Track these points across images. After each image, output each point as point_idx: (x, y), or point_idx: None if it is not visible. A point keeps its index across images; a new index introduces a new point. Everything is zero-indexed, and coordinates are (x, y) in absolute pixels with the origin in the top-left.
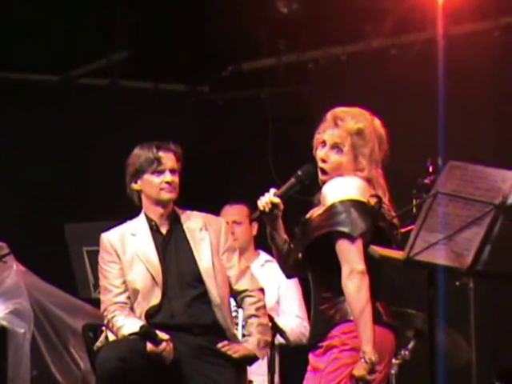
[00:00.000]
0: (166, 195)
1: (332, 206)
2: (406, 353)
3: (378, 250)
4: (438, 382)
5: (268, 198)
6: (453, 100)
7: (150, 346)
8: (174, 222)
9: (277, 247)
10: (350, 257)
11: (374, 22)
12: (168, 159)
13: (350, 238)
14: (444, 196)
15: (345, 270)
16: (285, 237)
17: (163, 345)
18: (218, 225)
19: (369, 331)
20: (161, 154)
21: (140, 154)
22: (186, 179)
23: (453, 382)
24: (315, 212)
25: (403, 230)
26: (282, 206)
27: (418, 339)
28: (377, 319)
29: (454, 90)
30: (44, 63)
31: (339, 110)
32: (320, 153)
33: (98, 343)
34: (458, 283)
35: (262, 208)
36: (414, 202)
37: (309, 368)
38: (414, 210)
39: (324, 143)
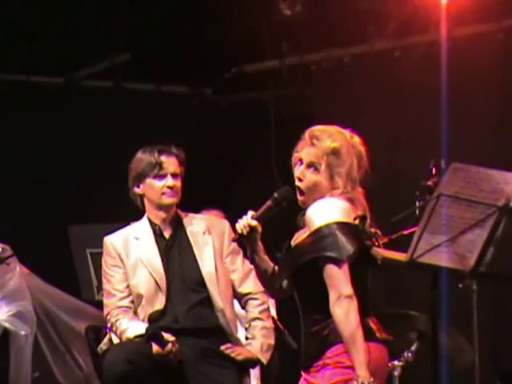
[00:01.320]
0: (168, 200)
1: (318, 230)
2: (409, 355)
3: (380, 253)
4: (441, 383)
5: (246, 221)
6: (456, 102)
7: (155, 347)
8: (177, 225)
9: (259, 269)
10: (337, 282)
11: (378, 24)
12: (170, 164)
13: (337, 262)
14: (447, 198)
15: (332, 296)
16: (266, 258)
17: (169, 346)
18: (221, 227)
19: (361, 355)
20: (163, 158)
21: (142, 158)
22: (189, 181)
23: (456, 383)
24: (300, 236)
25: (406, 232)
26: (260, 229)
27: (421, 341)
28: (369, 336)
29: (458, 91)
30: (47, 65)
31: (316, 129)
32: (297, 171)
33: (102, 346)
34: (461, 285)
35: (240, 231)
36: (417, 203)
37: (301, 381)
38: (417, 212)
39: (301, 161)
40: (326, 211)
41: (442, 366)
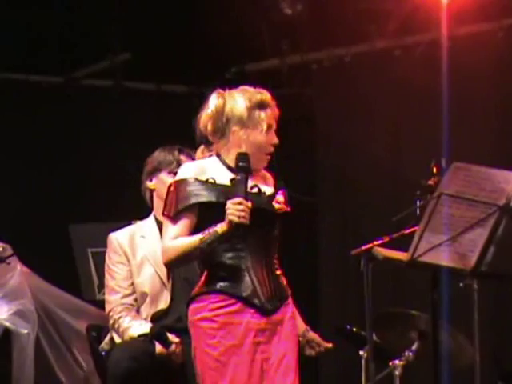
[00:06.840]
0: None
1: None
2: (410, 354)
3: (381, 252)
4: (442, 383)
5: (246, 208)
6: (457, 101)
7: (159, 347)
8: None
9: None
10: None
11: (378, 23)
12: None
13: None
14: (448, 197)
15: None
16: None
17: (173, 347)
18: None
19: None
20: (181, 157)
21: (160, 153)
22: None
23: (456, 383)
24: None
25: (407, 232)
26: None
27: (422, 340)
28: None
29: (458, 90)
30: (47, 64)
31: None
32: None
33: (104, 345)
34: (461, 284)
35: (246, 221)
36: (418, 203)
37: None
38: (418, 211)
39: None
40: None
41: (442, 366)
